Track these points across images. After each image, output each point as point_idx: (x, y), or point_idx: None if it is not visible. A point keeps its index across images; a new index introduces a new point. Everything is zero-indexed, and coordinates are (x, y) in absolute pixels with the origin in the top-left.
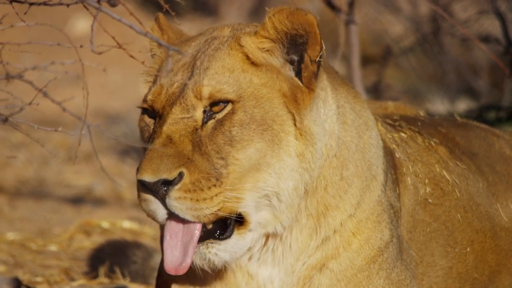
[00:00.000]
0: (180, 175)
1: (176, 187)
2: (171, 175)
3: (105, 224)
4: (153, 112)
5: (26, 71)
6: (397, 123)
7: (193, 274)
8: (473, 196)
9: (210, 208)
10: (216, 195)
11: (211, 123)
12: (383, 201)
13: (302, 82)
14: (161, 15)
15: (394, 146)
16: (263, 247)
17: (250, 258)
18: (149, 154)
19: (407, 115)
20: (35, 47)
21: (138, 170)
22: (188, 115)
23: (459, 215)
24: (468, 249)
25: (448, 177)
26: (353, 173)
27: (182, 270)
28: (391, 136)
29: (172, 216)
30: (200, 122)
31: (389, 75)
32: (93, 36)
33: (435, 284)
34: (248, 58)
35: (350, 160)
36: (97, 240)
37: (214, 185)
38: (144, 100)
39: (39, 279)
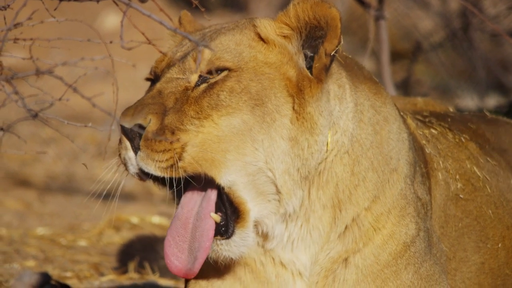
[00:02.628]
0: (149, 122)
1: (143, 135)
2: (145, 121)
3: (134, 220)
4: (156, 80)
5: (56, 66)
6: (427, 119)
7: (222, 266)
8: (503, 192)
9: (162, 162)
10: (165, 150)
11: (203, 86)
12: (407, 194)
13: (312, 73)
14: (184, 12)
15: (424, 141)
16: (284, 232)
17: (275, 245)
18: (135, 104)
19: (436, 112)
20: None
21: (120, 115)
22: (184, 77)
23: (490, 211)
24: (499, 245)
25: (478, 173)
26: (366, 168)
27: (192, 276)
28: (421, 132)
29: (178, 207)
30: (193, 84)
31: (419, 71)
32: (122, 31)
33: (468, 279)
34: (259, 37)
35: (363, 156)
36: (126, 235)
37: (166, 139)
38: (149, 72)
39: (68, 274)
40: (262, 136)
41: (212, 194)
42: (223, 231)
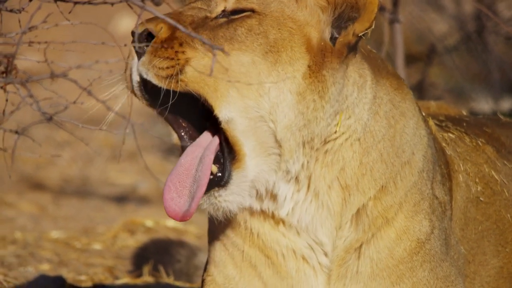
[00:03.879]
0: (161, 29)
1: (152, 41)
2: (156, 28)
3: (149, 223)
4: None
5: (71, 70)
6: (443, 124)
7: (241, 264)
8: None
9: (163, 70)
10: (170, 58)
11: (223, 19)
12: (423, 189)
13: (334, 46)
14: None
15: (444, 144)
16: (292, 195)
17: (288, 213)
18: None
19: (451, 115)
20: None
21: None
22: (207, 8)
23: (508, 215)
24: None
25: (496, 177)
26: (375, 159)
27: (188, 217)
28: (441, 135)
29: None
30: (213, 15)
31: (433, 74)
32: (137, 34)
33: (486, 283)
34: None
35: (373, 148)
36: (141, 238)
37: (172, 47)
38: None
39: (83, 277)
40: (270, 84)
41: (215, 140)
42: (219, 177)
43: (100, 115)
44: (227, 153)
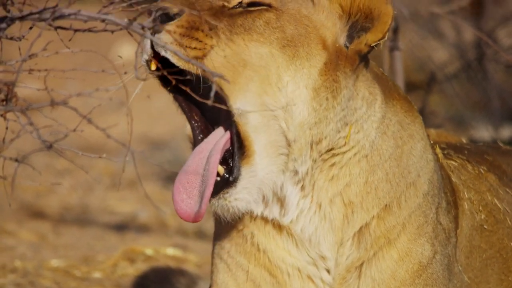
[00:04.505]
0: (182, 12)
1: (173, 22)
2: (173, 8)
3: (149, 251)
4: None
5: (71, 97)
6: (445, 151)
7: (245, 285)
8: None
9: (192, 50)
10: (198, 39)
11: (240, 9)
12: (427, 212)
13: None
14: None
15: (449, 172)
16: (298, 201)
17: (294, 219)
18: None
19: (453, 143)
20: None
21: None
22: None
23: (511, 244)
24: None
25: (499, 205)
26: (380, 178)
27: (200, 218)
28: (448, 163)
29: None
30: (231, 5)
31: (434, 102)
32: (137, 62)
33: None
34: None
35: (379, 167)
36: (141, 267)
37: (203, 30)
38: None
39: None
40: (288, 78)
41: (222, 139)
42: (227, 177)
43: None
44: (237, 149)
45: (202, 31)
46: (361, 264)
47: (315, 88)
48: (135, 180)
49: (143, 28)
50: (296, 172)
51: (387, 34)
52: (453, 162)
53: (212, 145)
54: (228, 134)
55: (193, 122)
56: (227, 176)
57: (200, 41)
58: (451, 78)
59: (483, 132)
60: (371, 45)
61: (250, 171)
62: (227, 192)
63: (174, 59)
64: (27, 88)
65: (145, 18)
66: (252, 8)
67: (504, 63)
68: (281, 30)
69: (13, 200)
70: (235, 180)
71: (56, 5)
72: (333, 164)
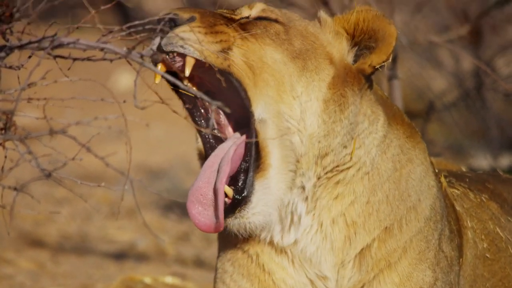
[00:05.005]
0: (193, 18)
1: (185, 24)
2: (183, 14)
3: (147, 280)
4: None
5: (70, 126)
6: (447, 179)
7: None
8: None
9: (214, 44)
10: (221, 32)
11: (247, 21)
12: (429, 238)
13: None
14: None
15: (453, 201)
16: (304, 218)
17: (299, 238)
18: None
19: (454, 171)
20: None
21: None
22: (233, 14)
23: None
24: None
25: (501, 233)
26: (381, 200)
27: (221, 228)
28: (451, 191)
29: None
30: (238, 17)
31: (432, 131)
32: (136, 91)
33: None
34: (317, 18)
35: (379, 188)
36: None
37: (221, 24)
38: None
39: None
40: (301, 88)
41: (231, 149)
42: (237, 192)
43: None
44: (254, 160)
45: (221, 24)
46: (362, 287)
47: (325, 99)
48: (134, 208)
49: (141, 56)
50: (303, 188)
51: (391, 56)
52: (456, 190)
53: (221, 158)
54: (235, 146)
55: (205, 134)
56: (237, 197)
57: (225, 33)
58: (449, 106)
59: (482, 161)
60: (375, 67)
61: (264, 185)
62: (243, 209)
63: (197, 52)
64: (26, 117)
65: (144, 46)
66: (264, 21)
67: (503, 92)
68: (289, 43)
69: (12, 229)
70: (249, 194)
71: (55, 34)
72: (338, 182)
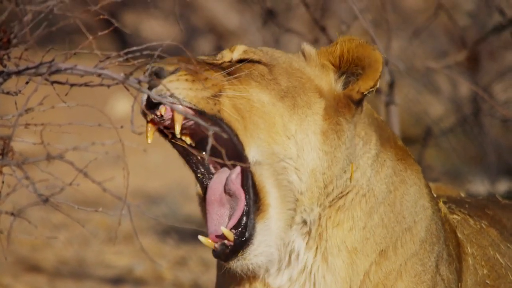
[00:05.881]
0: (178, 70)
1: (172, 74)
2: (168, 67)
3: None
4: None
5: (67, 151)
6: (447, 205)
7: None
8: None
9: (204, 90)
10: (209, 78)
11: (230, 65)
12: (425, 261)
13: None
14: None
15: (455, 227)
16: (303, 254)
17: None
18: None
19: (453, 197)
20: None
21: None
22: (213, 59)
23: None
24: None
25: (501, 260)
26: (377, 224)
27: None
28: (451, 218)
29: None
30: (221, 62)
31: (430, 156)
32: (133, 116)
33: None
34: (302, 53)
35: (375, 211)
36: None
37: (208, 70)
38: None
39: None
40: (295, 127)
41: (234, 173)
42: (238, 234)
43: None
44: (253, 202)
45: (207, 71)
46: None
47: (323, 132)
48: (131, 233)
49: (139, 82)
50: (305, 223)
51: (378, 81)
52: (456, 216)
53: (224, 179)
54: (235, 172)
55: (198, 171)
56: (238, 239)
57: (212, 79)
58: (447, 132)
59: (479, 186)
60: (363, 93)
61: (265, 226)
62: (246, 252)
63: (187, 99)
64: (24, 142)
65: (141, 73)
66: (245, 63)
67: (500, 118)
68: (275, 83)
69: (9, 254)
70: (251, 237)
71: (53, 60)
72: (338, 209)
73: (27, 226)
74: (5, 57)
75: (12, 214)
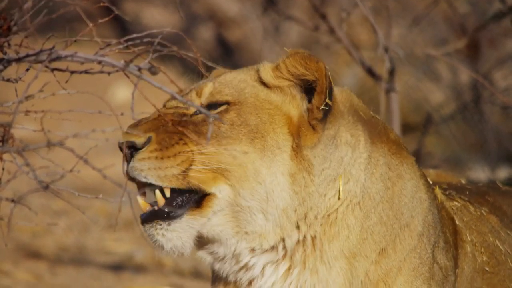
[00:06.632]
0: (149, 139)
1: (142, 150)
2: (139, 140)
3: None
4: None
5: (67, 138)
6: (447, 192)
7: None
8: None
9: (173, 168)
10: (179, 152)
11: (201, 116)
12: (422, 254)
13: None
14: (216, 70)
15: (453, 214)
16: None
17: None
18: (134, 122)
19: (454, 184)
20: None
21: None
22: (184, 106)
23: None
24: None
25: (501, 247)
26: (375, 223)
27: None
28: (450, 205)
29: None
30: (191, 112)
31: (430, 143)
32: (133, 103)
33: None
34: (262, 81)
35: (373, 212)
36: None
37: (177, 143)
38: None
39: None
40: (265, 170)
41: None
42: (167, 205)
43: (97, 183)
44: (194, 201)
45: (177, 143)
46: None
47: (291, 173)
48: (132, 220)
49: (139, 69)
50: (274, 249)
51: (327, 93)
52: (456, 203)
53: None
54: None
55: None
56: (165, 210)
57: (183, 153)
58: (447, 119)
59: (480, 173)
60: (319, 108)
61: (192, 220)
62: (160, 224)
63: (159, 181)
64: (24, 129)
65: (142, 59)
66: (213, 111)
67: (500, 105)
68: (245, 125)
69: (9, 241)
70: (175, 217)
71: (53, 47)
72: (331, 223)
73: (27, 212)
74: (6, 44)
75: (13, 200)
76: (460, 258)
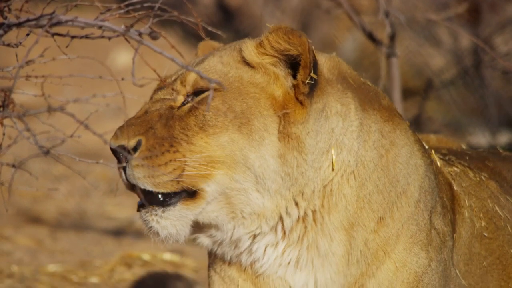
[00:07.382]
0: (139, 143)
1: (135, 155)
2: (129, 143)
3: (146, 256)
4: None
5: (68, 103)
6: (447, 157)
7: None
8: None
9: (166, 175)
10: (170, 161)
11: (188, 106)
12: (419, 220)
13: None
14: (203, 42)
15: (451, 179)
16: (283, 253)
17: (279, 265)
18: (123, 125)
19: (454, 149)
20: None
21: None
22: (170, 97)
23: (511, 251)
24: None
25: (500, 212)
26: (371, 191)
27: None
28: (449, 170)
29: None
30: (178, 104)
31: (430, 108)
32: (134, 69)
33: None
34: (245, 61)
35: (368, 180)
36: (138, 272)
37: (168, 151)
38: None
39: None
40: (254, 154)
41: None
42: (164, 195)
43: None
44: (187, 193)
45: (168, 151)
46: (363, 281)
47: (280, 154)
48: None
49: (140, 34)
50: (274, 229)
51: (311, 66)
52: (455, 168)
53: None
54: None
55: None
56: (160, 198)
57: (175, 160)
58: (448, 84)
59: (480, 138)
60: (304, 82)
61: (185, 209)
62: (155, 210)
63: (154, 188)
64: (24, 94)
65: (142, 24)
66: (198, 98)
67: (501, 70)
68: (231, 111)
69: (10, 206)
70: (169, 205)
71: (53, 12)
72: (327, 195)
73: (28, 178)
74: (6, 9)
75: (13, 166)
76: (458, 223)
